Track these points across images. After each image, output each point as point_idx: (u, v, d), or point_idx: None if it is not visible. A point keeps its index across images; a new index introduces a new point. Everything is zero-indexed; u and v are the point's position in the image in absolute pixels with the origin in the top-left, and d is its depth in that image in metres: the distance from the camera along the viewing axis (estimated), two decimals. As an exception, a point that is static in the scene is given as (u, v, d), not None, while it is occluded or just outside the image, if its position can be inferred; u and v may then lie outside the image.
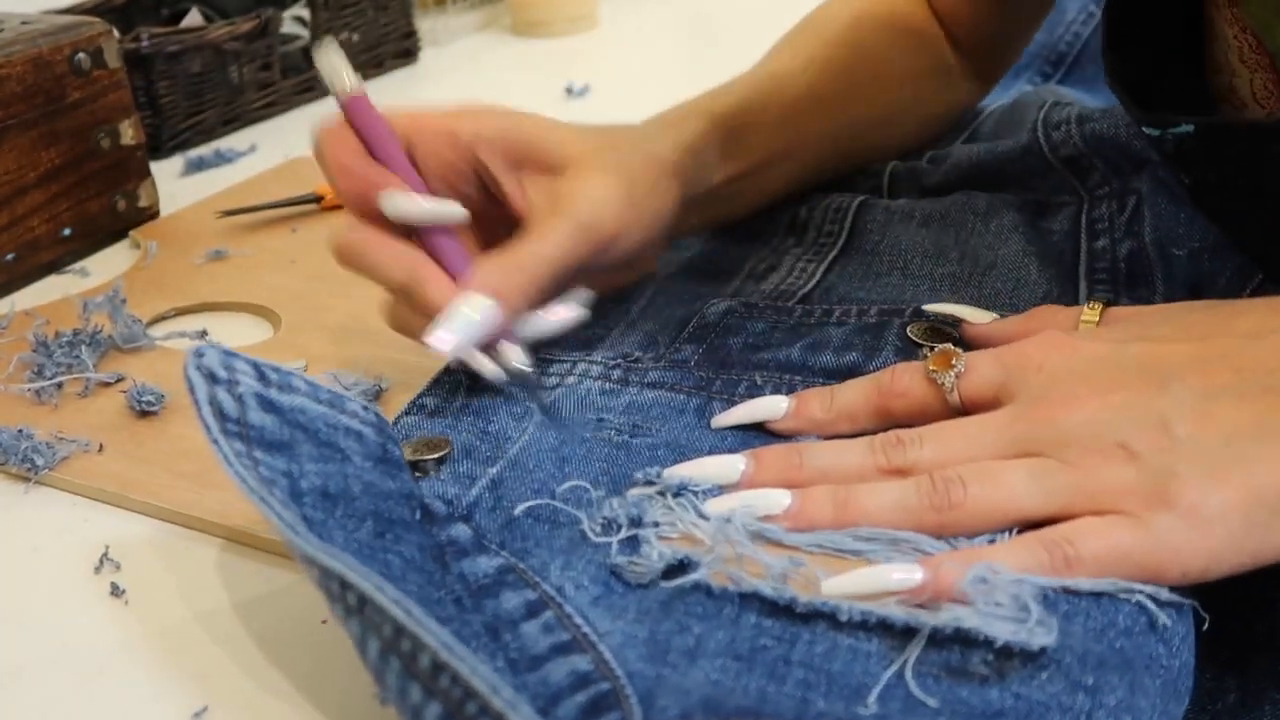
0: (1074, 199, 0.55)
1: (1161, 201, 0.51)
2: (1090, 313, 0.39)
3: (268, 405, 0.35)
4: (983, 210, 0.55)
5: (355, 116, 0.43)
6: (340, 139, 0.43)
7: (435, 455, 0.40)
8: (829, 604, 0.31)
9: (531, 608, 0.33)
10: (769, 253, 0.55)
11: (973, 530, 0.34)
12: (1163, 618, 0.30)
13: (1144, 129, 0.41)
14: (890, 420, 0.39)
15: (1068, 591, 0.31)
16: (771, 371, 0.44)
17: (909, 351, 0.44)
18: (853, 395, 0.40)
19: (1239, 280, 0.46)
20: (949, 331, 0.44)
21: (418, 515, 0.36)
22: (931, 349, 0.43)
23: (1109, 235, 0.52)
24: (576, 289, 0.45)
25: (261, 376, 0.36)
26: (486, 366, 0.42)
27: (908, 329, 0.45)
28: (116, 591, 0.40)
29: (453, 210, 0.43)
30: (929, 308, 0.45)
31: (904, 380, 0.39)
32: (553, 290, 0.43)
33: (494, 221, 0.45)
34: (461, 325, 0.41)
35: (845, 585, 0.32)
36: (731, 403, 0.42)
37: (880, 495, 0.35)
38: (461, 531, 0.36)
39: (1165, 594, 0.31)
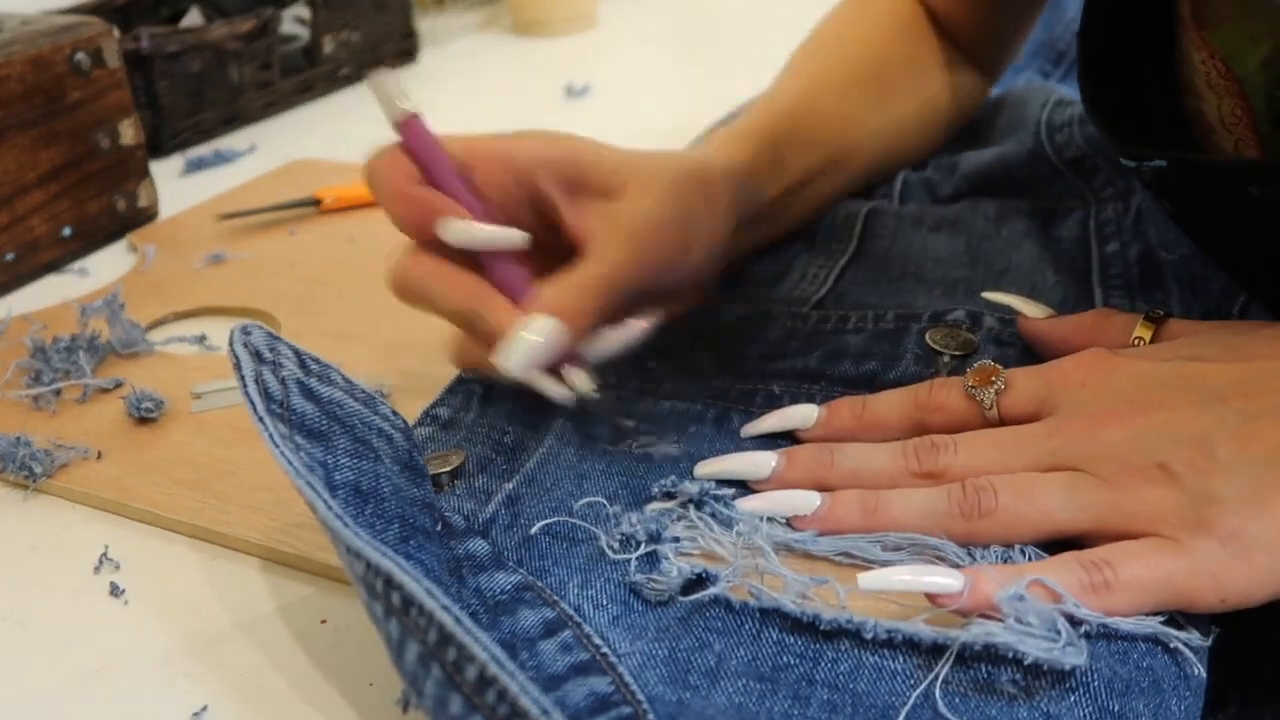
0: (1081, 203, 0.55)
1: (1155, 206, 0.51)
2: (1144, 329, 0.39)
3: (308, 393, 0.35)
4: (992, 216, 0.54)
5: (411, 140, 0.42)
6: (395, 165, 0.42)
7: (448, 469, 0.40)
8: (853, 621, 0.31)
9: (550, 626, 0.33)
10: (778, 260, 0.55)
11: (1003, 540, 0.33)
12: (1186, 643, 0.30)
13: (1121, 161, 0.41)
14: (924, 434, 0.38)
15: (1105, 630, 0.30)
16: (789, 381, 0.44)
17: (928, 360, 0.43)
18: (887, 406, 0.39)
19: (1231, 288, 0.46)
20: (969, 337, 0.44)
21: (439, 526, 0.36)
22: (951, 356, 0.43)
23: (1118, 239, 0.52)
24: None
25: (303, 364, 0.36)
26: (554, 389, 0.41)
27: (926, 335, 0.44)
28: (116, 592, 0.40)
29: (513, 234, 0.42)
30: (989, 295, 0.45)
31: (941, 395, 0.38)
32: (614, 314, 0.42)
33: (547, 250, 0.44)
34: (527, 347, 0.40)
35: (881, 581, 0.31)
36: (749, 413, 0.42)
37: (909, 501, 0.35)
38: (479, 546, 0.36)
39: (1197, 639, 0.30)
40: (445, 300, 0.42)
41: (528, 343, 0.40)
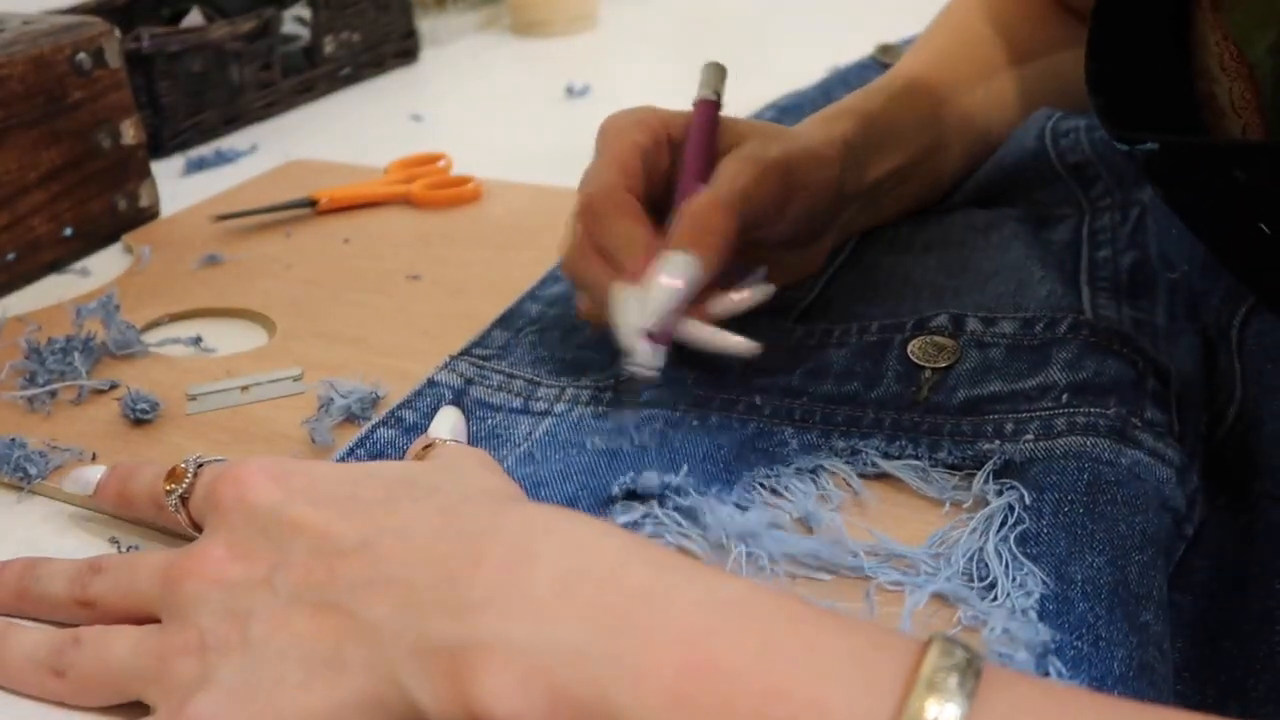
0: (1075, 211, 0.55)
1: (1161, 217, 0.51)
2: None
3: None
4: (982, 226, 0.54)
5: (699, 120, 0.46)
6: (619, 200, 0.44)
7: None
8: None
9: None
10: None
11: (91, 701, 0.33)
12: None
13: (1116, 144, 0.41)
14: (134, 514, 0.40)
15: None
16: (772, 395, 0.44)
17: (911, 378, 0.43)
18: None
19: (1231, 301, 0.46)
20: (950, 344, 0.44)
21: None
22: (933, 370, 0.43)
23: (1111, 245, 0.52)
24: (756, 270, 0.45)
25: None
26: (727, 342, 0.42)
27: (909, 346, 0.45)
28: None
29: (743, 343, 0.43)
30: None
31: (139, 481, 0.39)
32: (741, 243, 0.43)
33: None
34: (674, 267, 0.41)
35: None
36: (729, 419, 0.42)
37: (24, 638, 0.35)
38: None
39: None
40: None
41: (660, 283, 0.41)
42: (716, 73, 0.49)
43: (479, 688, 0.27)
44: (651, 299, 0.41)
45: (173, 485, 0.37)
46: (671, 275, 0.41)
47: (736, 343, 0.43)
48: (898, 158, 0.54)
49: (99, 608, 0.36)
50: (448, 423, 0.43)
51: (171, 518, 0.37)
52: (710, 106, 0.47)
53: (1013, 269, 0.50)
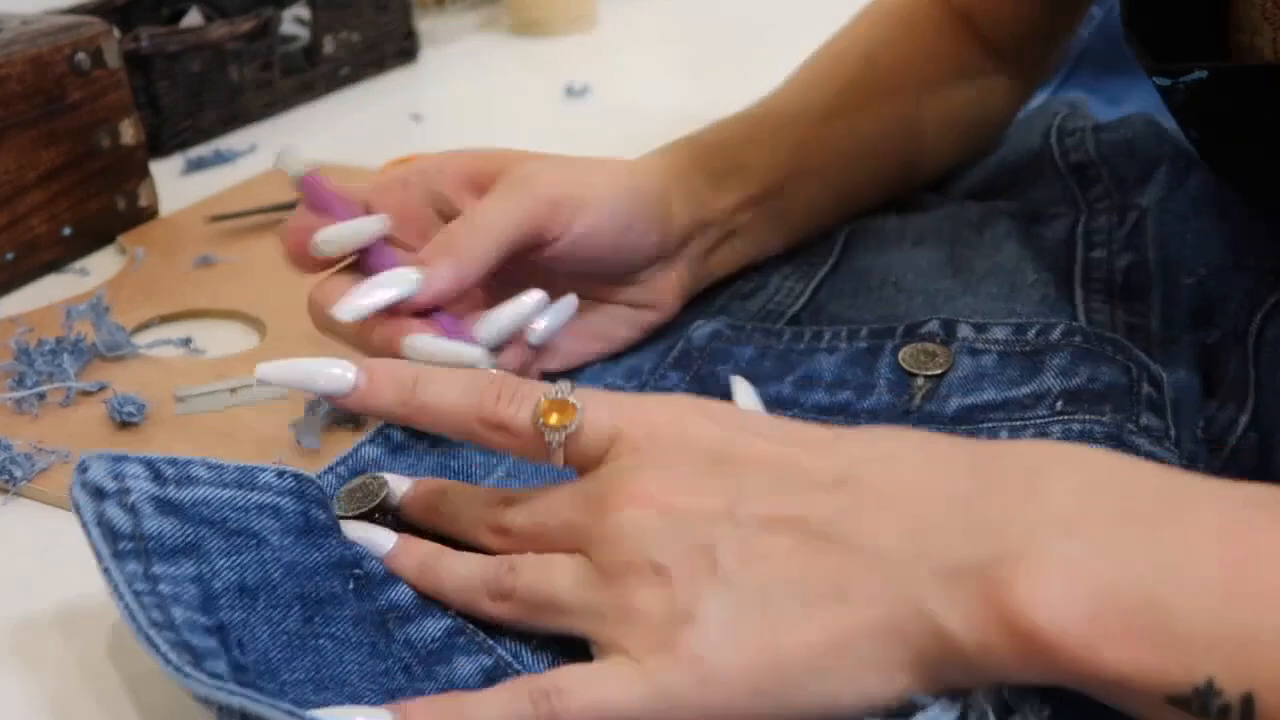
0: (1070, 210, 0.55)
1: (1169, 221, 0.50)
2: None
3: (166, 507, 0.33)
4: (975, 221, 0.54)
5: (307, 188, 0.45)
6: (296, 220, 0.45)
7: (374, 503, 0.38)
8: None
9: (489, 674, 0.32)
10: (755, 273, 0.54)
11: (533, 625, 0.33)
12: None
13: (1155, 80, 0.40)
14: (480, 441, 0.35)
15: None
16: (765, 405, 0.44)
17: (903, 386, 0.43)
18: (441, 389, 0.35)
19: (1248, 304, 0.45)
20: (943, 351, 0.44)
21: (351, 585, 0.34)
22: (925, 378, 0.43)
23: (1106, 247, 0.51)
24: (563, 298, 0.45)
25: (156, 475, 0.34)
26: (464, 353, 0.41)
27: (901, 354, 0.44)
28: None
29: (370, 221, 0.44)
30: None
31: (507, 411, 0.34)
32: (510, 276, 0.44)
33: (505, 279, 0.45)
34: (368, 288, 0.42)
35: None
36: None
37: (458, 564, 0.35)
38: (403, 594, 0.35)
39: None
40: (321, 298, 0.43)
41: (371, 286, 0.42)
42: (291, 158, 0.46)
43: (1019, 599, 0.26)
44: (356, 296, 0.42)
45: (563, 421, 0.34)
46: (386, 285, 0.42)
47: (464, 352, 0.42)
48: (750, 187, 0.51)
49: (514, 535, 0.34)
50: (746, 392, 0.43)
51: (540, 453, 0.34)
52: (310, 177, 0.45)
53: (1005, 270, 0.50)
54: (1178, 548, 0.26)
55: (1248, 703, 0.24)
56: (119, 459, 0.34)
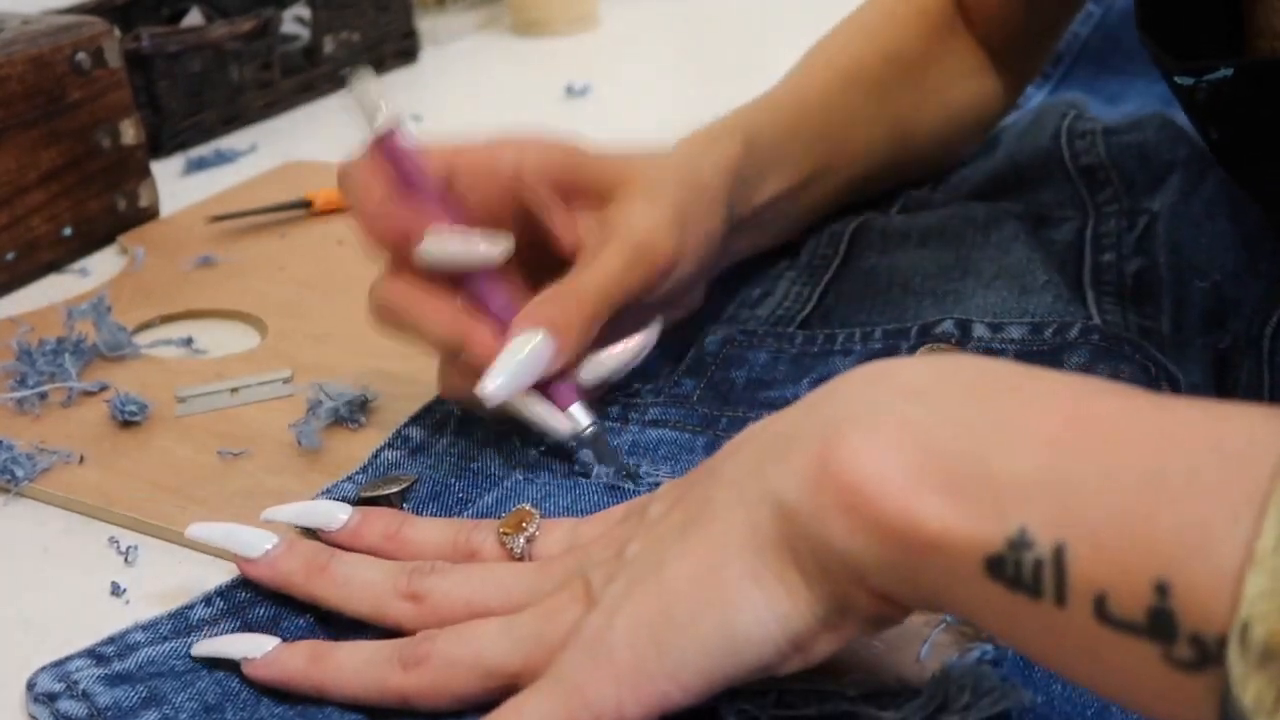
0: (1077, 213, 0.55)
1: (1182, 226, 0.50)
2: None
3: (115, 680, 0.34)
4: (981, 222, 0.53)
5: (390, 151, 0.40)
6: (372, 176, 0.40)
7: (397, 489, 0.39)
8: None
9: None
10: (763, 277, 0.54)
11: (448, 692, 0.31)
12: None
13: (1175, 79, 0.40)
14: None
15: None
16: (780, 410, 0.44)
17: None
18: (424, 536, 0.37)
19: (1263, 309, 0.45)
20: (955, 352, 0.43)
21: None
22: None
23: (1116, 250, 0.51)
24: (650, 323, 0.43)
25: (99, 658, 0.35)
26: (552, 420, 0.39)
27: (916, 355, 0.44)
28: (117, 591, 0.40)
29: (492, 249, 0.39)
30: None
31: (476, 539, 0.36)
32: (608, 329, 0.41)
33: (540, 263, 0.43)
34: (511, 366, 0.38)
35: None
36: None
37: (356, 651, 0.33)
38: None
39: None
40: (427, 327, 0.40)
41: (511, 361, 0.38)
42: (372, 90, 0.40)
43: (845, 453, 0.25)
44: (498, 373, 0.38)
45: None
46: (518, 351, 0.38)
47: (557, 424, 0.40)
48: (784, 181, 0.51)
49: (428, 604, 0.34)
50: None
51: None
52: (394, 131, 0.40)
53: (1014, 272, 0.50)
54: (1015, 411, 0.25)
55: (1059, 553, 0.22)
56: (61, 662, 0.35)
